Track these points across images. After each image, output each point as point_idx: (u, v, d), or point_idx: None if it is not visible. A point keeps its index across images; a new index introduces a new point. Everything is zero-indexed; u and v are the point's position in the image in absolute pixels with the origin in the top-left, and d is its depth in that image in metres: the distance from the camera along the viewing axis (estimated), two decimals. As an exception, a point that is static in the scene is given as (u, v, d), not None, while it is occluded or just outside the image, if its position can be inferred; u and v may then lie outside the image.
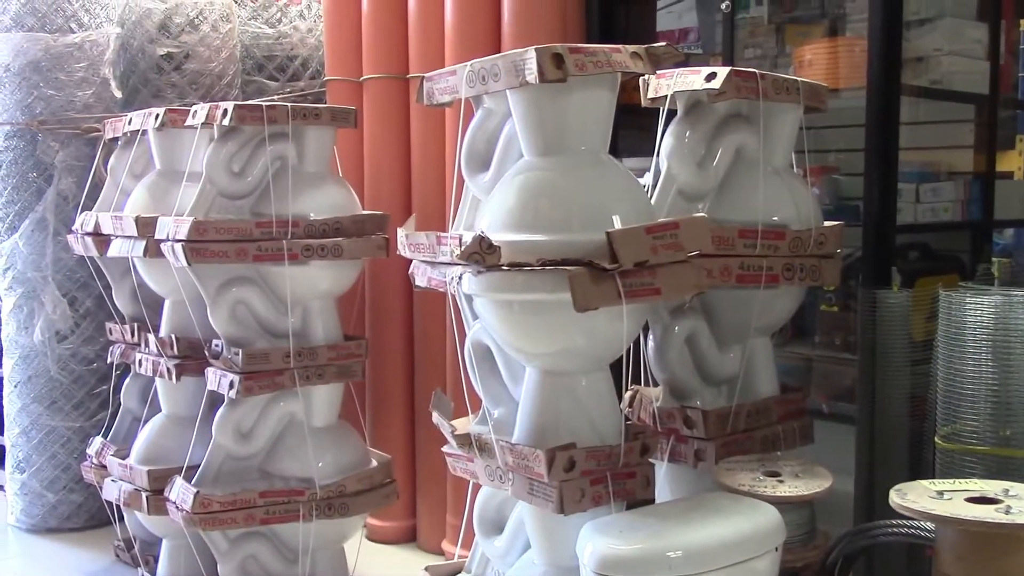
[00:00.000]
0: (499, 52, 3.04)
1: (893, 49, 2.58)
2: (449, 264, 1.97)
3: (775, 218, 2.23)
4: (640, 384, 2.36)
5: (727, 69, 2.09)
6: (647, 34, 3.51)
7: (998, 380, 2.14)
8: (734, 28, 2.95)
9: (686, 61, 3.82)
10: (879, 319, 2.39)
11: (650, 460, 2.08)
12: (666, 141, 2.24)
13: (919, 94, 2.88)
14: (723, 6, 2.89)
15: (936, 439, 2.22)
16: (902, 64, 2.64)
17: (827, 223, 2.34)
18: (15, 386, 3.57)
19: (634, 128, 2.83)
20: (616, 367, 2.08)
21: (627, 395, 2.34)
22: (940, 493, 1.81)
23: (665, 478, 2.33)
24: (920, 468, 2.38)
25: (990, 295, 2.21)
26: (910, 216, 2.86)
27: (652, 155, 2.33)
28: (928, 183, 2.92)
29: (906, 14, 2.69)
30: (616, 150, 2.98)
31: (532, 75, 1.82)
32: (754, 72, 2.14)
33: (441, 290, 2.05)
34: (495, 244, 1.83)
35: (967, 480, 1.94)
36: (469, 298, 2.11)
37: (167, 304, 3.07)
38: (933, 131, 3.06)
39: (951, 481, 1.91)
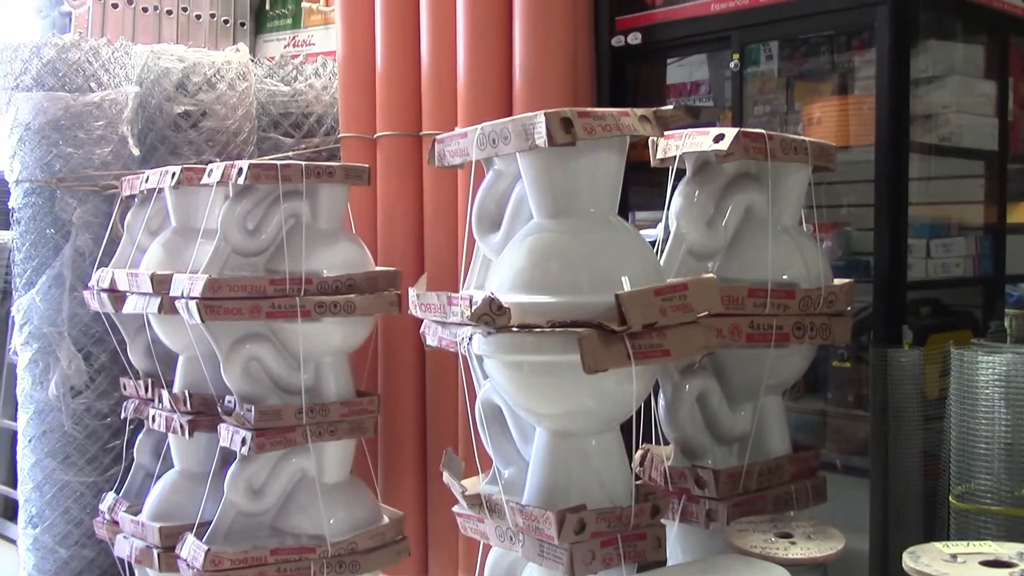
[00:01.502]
0: (511, 109, 3.10)
1: (902, 107, 2.61)
2: (460, 324, 1.98)
3: (785, 277, 2.24)
4: (651, 443, 2.36)
5: (735, 130, 2.12)
6: (657, 88, 3.55)
7: (1012, 439, 2.13)
8: (743, 85, 2.98)
9: (697, 114, 3.86)
10: (890, 378, 2.38)
11: (661, 521, 2.07)
12: (675, 200, 2.26)
13: (928, 151, 2.90)
14: (731, 65, 2.93)
15: (950, 498, 2.20)
16: (911, 121, 2.67)
17: (837, 281, 2.34)
18: (29, 441, 3.58)
19: (644, 184, 2.86)
20: (627, 425, 2.07)
21: (638, 454, 2.34)
22: (954, 556, 1.79)
23: (676, 539, 2.32)
24: (935, 527, 2.36)
25: (1002, 353, 2.20)
26: (921, 272, 2.87)
27: (662, 210, 2.35)
28: (939, 238, 2.93)
29: (914, 72, 2.71)
30: (626, 206, 3.02)
31: (541, 139, 1.84)
32: (762, 133, 2.16)
33: (452, 350, 2.06)
34: (505, 305, 1.85)
35: (981, 543, 1.92)
36: (480, 358, 2.12)
37: (181, 360, 3.09)
38: (943, 186, 3.08)
39: (965, 543, 1.89)
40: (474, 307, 1.84)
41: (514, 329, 1.86)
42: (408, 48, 3.38)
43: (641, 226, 3.69)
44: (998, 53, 3.12)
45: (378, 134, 3.47)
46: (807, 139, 2.27)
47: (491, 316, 1.84)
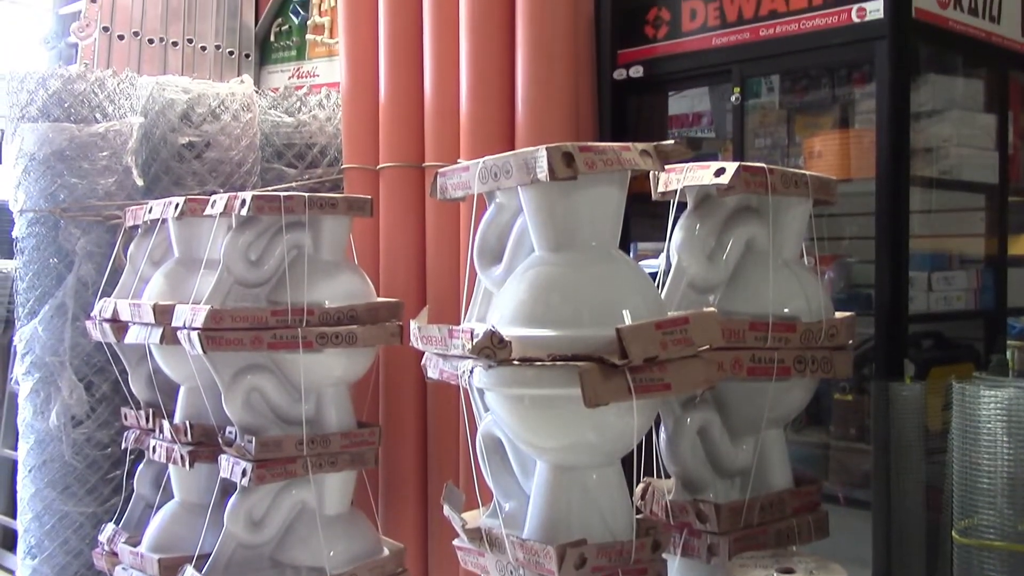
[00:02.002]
0: (513, 141, 3.12)
1: (902, 141, 2.62)
2: (461, 357, 1.98)
3: (786, 310, 2.24)
4: (652, 476, 2.35)
5: (736, 165, 2.12)
6: (659, 120, 3.57)
7: (1015, 474, 2.12)
8: (744, 117, 3.00)
9: (699, 145, 3.88)
10: (893, 411, 2.38)
11: (662, 555, 2.06)
12: (676, 234, 2.27)
13: (929, 185, 2.91)
14: (733, 98, 2.95)
15: (953, 533, 2.19)
16: (911, 155, 2.68)
17: (838, 314, 2.34)
18: (29, 471, 3.58)
19: (646, 215, 2.87)
20: (628, 459, 2.07)
21: (639, 488, 2.33)
22: (956, 593, 1.78)
23: (677, 573, 2.30)
24: (938, 562, 2.35)
25: (1004, 387, 2.20)
26: (923, 305, 2.87)
27: (663, 240, 2.36)
28: (940, 271, 2.93)
29: (914, 106, 2.73)
30: (628, 236, 3.03)
31: (543, 173, 1.85)
32: (762, 167, 2.17)
33: (453, 383, 2.06)
34: (506, 339, 1.85)
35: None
36: (481, 391, 2.12)
37: (182, 390, 3.09)
38: (944, 219, 3.08)
39: (967, 580, 1.89)
40: (475, 340, 1.84)
41: (515, 362, 1.86)
42: (411, 80, 3.40)
43: (643, 256, 3.71)
44: (998, 87, 3.14)
45: (381, 165, 3.48)
46: (807, 173, 2.28)
47: (492, 349, 1.84)
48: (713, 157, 3.66)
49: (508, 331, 1.89)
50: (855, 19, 2.65)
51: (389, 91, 3.45)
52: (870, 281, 2.72)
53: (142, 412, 3.21)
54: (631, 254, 3.42)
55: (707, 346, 1.93)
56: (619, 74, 3.21)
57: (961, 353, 2.96)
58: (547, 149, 1.85)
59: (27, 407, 3.59)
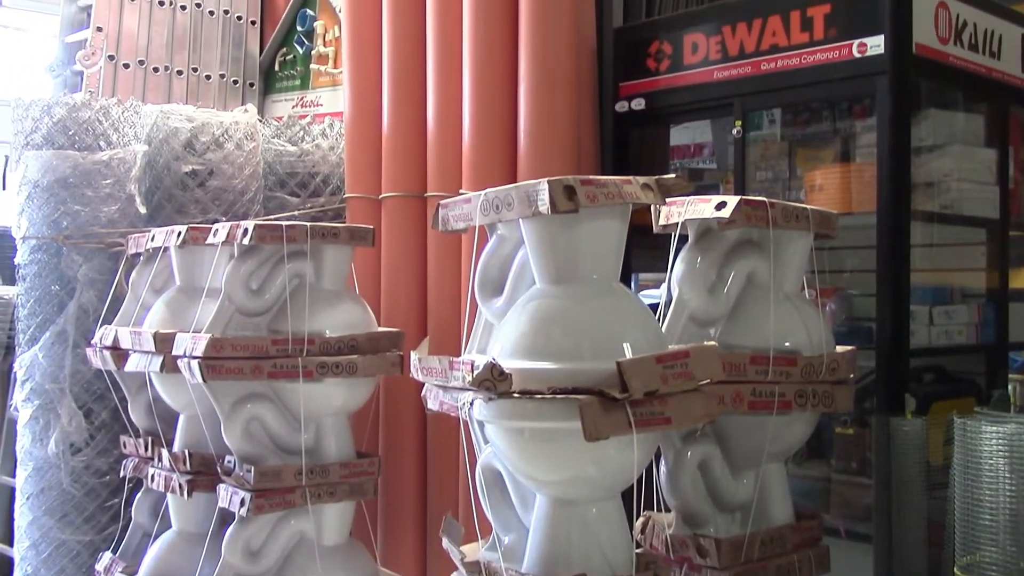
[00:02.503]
0: (515, 171, 3.13)
1: (903, 175, 2.63)
2: (461, 389, 1.98)
3: (787, 344, 2.23)
4: (652, 510, 2.34)
5: (737, 199, 2.13)
6: (661, 152, 3.59)
7: (1017, 510, 2.11)
8: (745, 150, 3.01)
9: (700, 176, 3.89)
10: (894, 446, 2.37)
11: (662, 590, 2.05)
12: (677, 267, 2.27)
13: (930, 219, 2.91)
14: (734, 132, 2.96)
15: (955, 570, 2.18)
16: (912, 189, 2.69)
17: (839, 348, 2.34)
18: (27, 498, 3.56)
19: (647, 247, 2.87)
20: (628, 492, 2.06)
21: (639, 522, 2.32)
22: (959, 632, 1.77)
23: (678, 607, 2.29)
24: (940, 599, 2.33)
25: (1006, 423, 2.20)
26: (924, 339, 2.87)
27: (664, 271, 2.36)
28: (941, 305, 2.93)
29: (915, 140, 2.74)
30: (629, 267, 3.03)
31: (544, 206, 1.86)
32: (764, 201, 2.18)
33: (453, 414, 2.06)
34: (507, 371, 1.85)
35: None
36: (481, 424, 2.11)
37: (182, 419, 3.09)
38: (945, 253, 3.09)
39: (970, 618, 1.87)
40: (476, 372, 1.84)
41: (515, 395, 1.85)
42: (414, 110, 3.42)
43: (644, 285, 3.71)
44: (998, 122, 3.15)
45: (383, 195, 3.50)
46: (808, 207, 2.29)
47: (492, 382, 1.84)
48: (714, 188, 3.68)
49: (509, 363, 1.88)
50: (856, 54, 2.67)
51: (392, 121, 3.47)
52: (871, 314, 2.72)
53: (141, 440, 3.20)
54: (632, 285, 3.42)
55: (708, 380, 1.93)
56: (621, 106, 3.22)
57: (962, 387, 2.95)
58: (549, 182, 1.85)
59: (26, 434, 3.58)
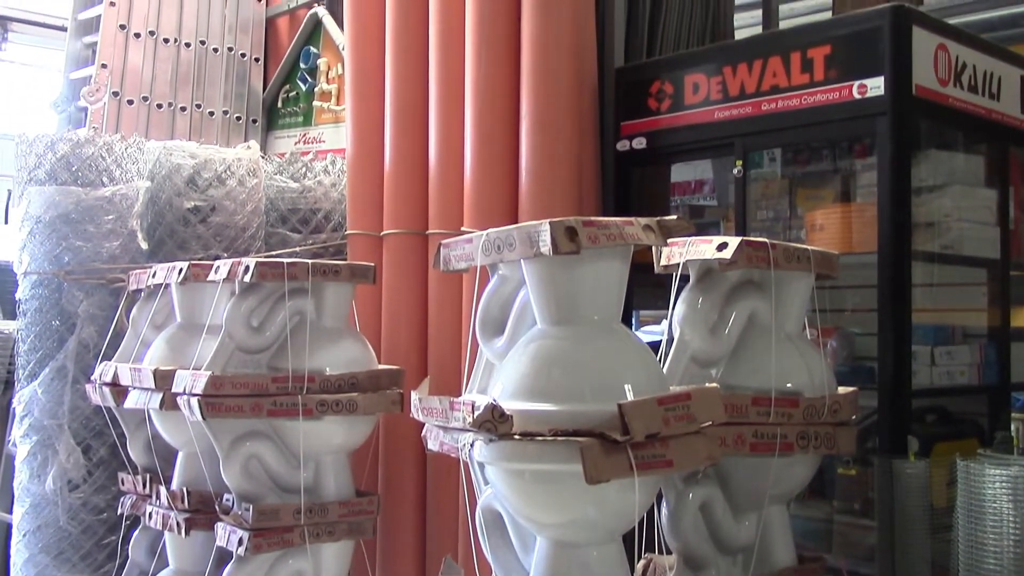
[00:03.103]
0: (517, 210, 3.14)
1: (903, 216, 2.64)
2: (461, 430, 1.97)
3: (788, 385, 2.22)
4: (654, 552, 2.32)
5: (738, 239, 2.13)
6: (662, 191, 3.60)
7: (1021, 554, 2.09)
8: (746, 188, 3.02)
9: (701, 213, 3.90)
10: (897, 488, 2.36)
11: (664, 635, 2.02)
12: (679, 308, 2.27)
13: (931, 259, 2.91)
14: (735, 171, 2.97)
15: (960, 615, 2.16)
16: (913, 230, 2.69)
17: (841, 389, 2.33)
18: (23, 535, 3.54)
19: (648, 284, 2.87)
20: (629, 535, 2.04)
21: (640, 564, 2.30)
22: None
23: (680, 652, 2.26)
24: (945, 644, 2.31)
25: (1009, 466, 2.18)
26: (926, 379, 2.86)
27: (665, 309, 2.35)
28: (943, 346, 2.93)
29: (915, 181, 2.75)
30: (630, 305, 3.03)
31: (546, 247, 1.86)
32: (765, 242, 2.18)
33: (453, 455, 2.04)
34: (507, 413, 1.84)
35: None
36: (481, 465, 2.10)
37: (180, 456, 3.07)
38: (946, 294, 3.08)
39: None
40: (476, 414, 1.83)
41: (516, 437, 1.84)
42: (416, 148, 3.44)
43: (644, 322, 3.71)
44: (998, 162, 3.16)
45: (384, 232, 3.50)
46: (810, 248, 2.29)
47: (493, 423, 1.83)
48: (715, 226, 3.68)
49: (509, 405, 1.88)
50: (856, 95, 2.68)
51: (394, 158, 3.48)
52: (872, 353, 2.71)
53: (139, 477, 3.18)
54: (633, 322, 3.42)
55: (709, 422, 1.92)
56: (622, 145, 3.24)
57: (965, 429, 2.94)
58: (550, 223, 1.86)
59: (24, 470, 3.56)
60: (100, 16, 4.50)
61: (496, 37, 3.19)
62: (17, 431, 3.61)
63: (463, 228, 3.17)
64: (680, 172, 3.81)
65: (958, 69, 2.84)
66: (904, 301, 2.59)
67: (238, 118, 4.75)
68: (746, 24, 4.44)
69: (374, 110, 3.57)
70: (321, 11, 4.63)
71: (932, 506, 2.43)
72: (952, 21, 3.41)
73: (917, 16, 2.74)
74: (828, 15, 3.90)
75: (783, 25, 4.16)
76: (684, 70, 3.09)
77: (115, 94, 4.40)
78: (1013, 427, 2.98)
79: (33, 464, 3.53)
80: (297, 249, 3.75)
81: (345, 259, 3.56)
